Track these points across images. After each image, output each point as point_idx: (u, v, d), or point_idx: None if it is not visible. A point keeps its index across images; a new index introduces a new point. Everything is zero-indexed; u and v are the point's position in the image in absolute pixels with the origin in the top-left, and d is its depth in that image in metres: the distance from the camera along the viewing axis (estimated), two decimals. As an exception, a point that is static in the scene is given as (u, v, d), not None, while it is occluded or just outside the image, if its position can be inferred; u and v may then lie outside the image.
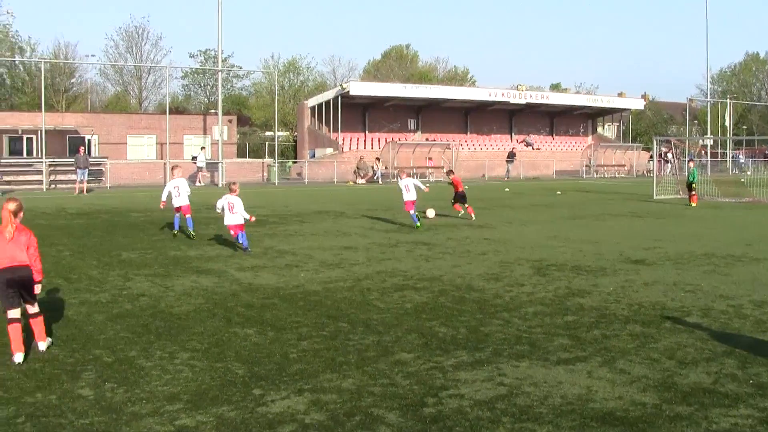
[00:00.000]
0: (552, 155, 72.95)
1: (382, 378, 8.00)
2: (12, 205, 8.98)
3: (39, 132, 48.59)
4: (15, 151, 53.23)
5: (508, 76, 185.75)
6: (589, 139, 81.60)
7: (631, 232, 22.21)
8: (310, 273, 14.71)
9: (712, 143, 74.02)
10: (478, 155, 68.09)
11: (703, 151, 66.81)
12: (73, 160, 43.70)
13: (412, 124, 72.51)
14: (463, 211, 25.99)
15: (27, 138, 54.01)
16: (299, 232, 21.81)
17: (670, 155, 51.81)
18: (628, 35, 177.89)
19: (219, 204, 18.19)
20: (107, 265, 15.75)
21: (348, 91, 63.28)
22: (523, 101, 71.97)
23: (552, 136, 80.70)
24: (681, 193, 36.80)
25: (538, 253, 17.46)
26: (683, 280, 13.82)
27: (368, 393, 7.52)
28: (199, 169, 51.15)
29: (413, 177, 27.75)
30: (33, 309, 9.13)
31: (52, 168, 46.54)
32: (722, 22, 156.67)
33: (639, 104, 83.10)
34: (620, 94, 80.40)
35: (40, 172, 45.89)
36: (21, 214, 9.10)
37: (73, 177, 42.56)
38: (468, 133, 74.65)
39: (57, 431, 6.62)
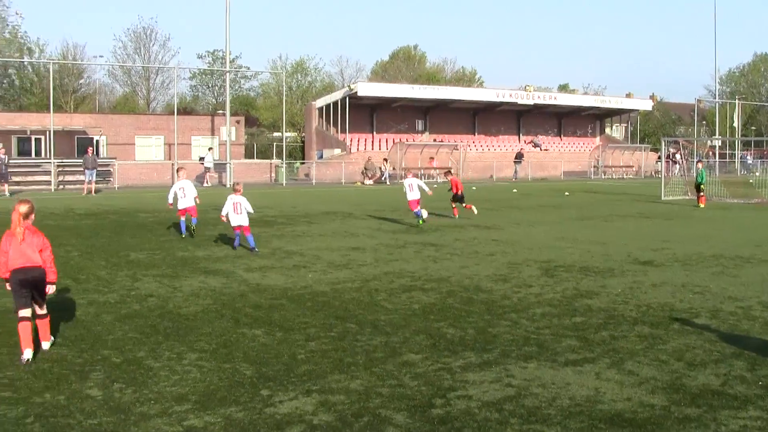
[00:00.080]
0: (560, 156, 72.83)
1: (390, 379, 8.00)
2: (23, 208, 9.07)
3: (47, 133, 48.68)
4: (24, 152, 53.35)
5: (515, 76, 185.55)
6: (597, 140, 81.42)
7: (639, 233, 22.17)
8: (318, 274, 14.72)
9: (720, 144, 73.80)
10: (486, 156, 67.99)
11: (710, 152, 66.64)
12: (81, 160, 43.75)
13: (419, 125, 72.43)
14: (459, 215, 25.95)
15: (35, 139, 54.15)
16: (307, 232, 21.83)
17: (678, 156, 51.69)
18: (636, 36, 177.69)
19: (224, 209, 18.36)
20: (115, 265, 15.78)
21: (356, 92, 63.23)
22: (531, 102, 71.81)
23: (560, 137, 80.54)
24: (689, 194, 36.72)
25: (546, 254, 17.44)
26: (692, 282, 13.79)
27: (376, 394, 7.52)
28: (207, 169, 51.18)
29: (419, 178, 27.81)
30: (41, 311, 9.23)
31: (60, 169, 46.61)
32: (730, 22, 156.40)
33: (647, 105, 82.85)
34: (628, 95, 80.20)
35: (48, 173, 45.97)
36: (33, 216, 9.22)
37: (82, 178, 42.60)
38: (476, 134, 74.54)
39: (65, 431, 6.63)
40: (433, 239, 20.22)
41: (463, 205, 26.18)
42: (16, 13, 74.22)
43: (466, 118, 74.11)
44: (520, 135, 77.44)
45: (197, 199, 20.85)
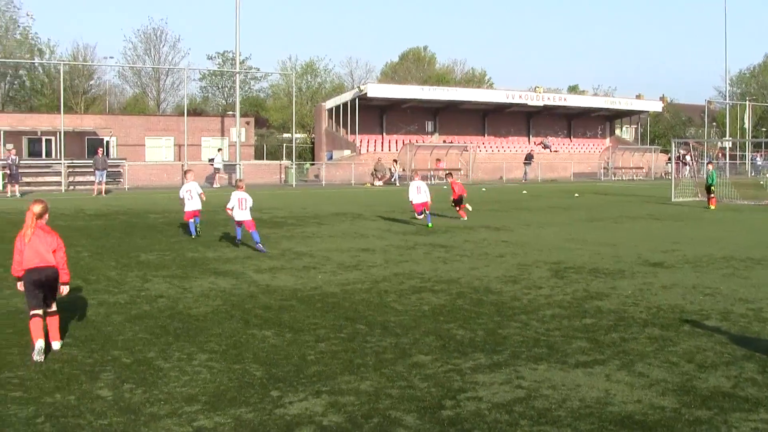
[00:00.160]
0: (569, 157, 72.74)
1: (400, 380, 8.00)
2: (37, 208, 9.21)
3: (58, 134, 48.83)
4: (34, 153, 53.52)
5: (525, 78, 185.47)
6: (607, 142, 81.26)
7: (649, 234, 22.12)
8: (327, 275, 14.73)
9: (730, 145, 73.53)
10: (496, 157, 67.95)
11: (720, 154, 66.44)
12: (91, 161, 43.88)
13: (429, 126, 72.41)
14: (465, 217, 25.96)
15: (46, 140, 54.31)
16: (317, 234, 21.84)
17: (688, 158, 51.55)
18: (646, 37, 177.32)
19: (230, 204, 18.87)
20: (125, 266, 15.82)
21: (365, 93, 63.26)
22: (540, 103, 71.76)
23: (569, 138, 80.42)
24: (699, 195, 36.63)
25: (555, 255, 17.42)
26: (702, 283, 13.75)
27: (386, 395, 7.52)
28: (217, 170, 51.23)
29: (425, 180, 27.87)
30: (51, 308, 9.29)
31: (70, 169, 46.75)
32: (741, 23, 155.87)
33: (657, 106, 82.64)
34: (638, 97, 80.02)
35: (58, 174, 46.11)
36: (46, 216, 9.36)
37: (92, 178, 42.71)
38: (485, 135, 74.49)
39: (76, 431, 6.65)
40: (442, 241, 20.21)
41: (459, 206, 26.37)
42: (27, 15, 74.59)
43: (475, 119, 74.07)
44: (530, 136, 77.38)
45: (203, 196, 21.23)
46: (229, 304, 11.90)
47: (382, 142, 68.20)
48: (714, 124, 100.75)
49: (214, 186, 47.93)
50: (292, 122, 60.61)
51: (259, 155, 69.31)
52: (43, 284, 9.11)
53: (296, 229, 22.89)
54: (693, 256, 17.22)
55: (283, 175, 56.45)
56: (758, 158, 76.27)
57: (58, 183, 45.55)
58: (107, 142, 55.08)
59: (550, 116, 77.99)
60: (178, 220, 24.07)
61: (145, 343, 9.55)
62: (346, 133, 65.00)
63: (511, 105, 71.82)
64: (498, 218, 26.49)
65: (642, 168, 73.14)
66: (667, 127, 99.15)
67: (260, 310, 11.51)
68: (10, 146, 44.05)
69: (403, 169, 56.26)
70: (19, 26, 74.55)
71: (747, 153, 74.54)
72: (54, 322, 9.26)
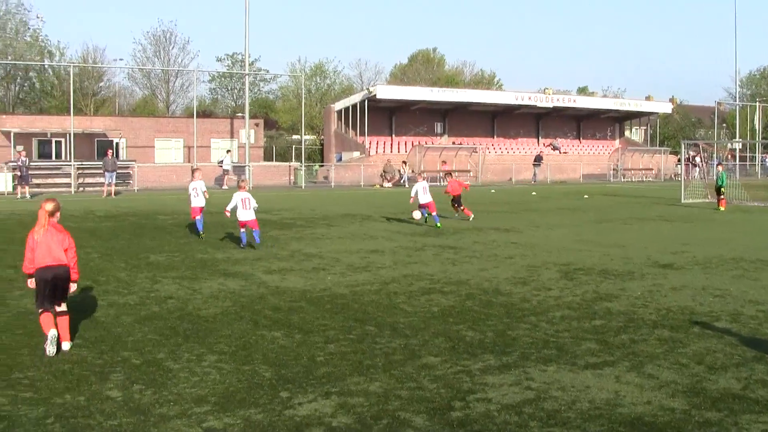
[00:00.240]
0: (579, 159, 72.57)
1: (409, 381, 8.00)
2: (49, 206, 9.31)
3: (68, 135, 48.92)
4: (44, 155, 53.61)
5: (535, 79, 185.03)
6: (617, 143, 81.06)
7: (658, 236, 22.08)
8: (336, 276, 14.74)
9: (740, 147, 73.29)
10: (505, 159, 67.86)
11: (730, 155, 66.18)
12: (101, 163, 43.99)
13: (438, 127, 72.33)
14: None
15: (56, 141, 54.39)
16: (326, 235, 21.85)
17: (698, 159, 51.43)
18: (656, 38, 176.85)
19: (230, 205, 19.31)
20: (135, 267, 15.86)
21: (374, 95, 63.23)
22: (550, 105, 71.64)
23: (579, 139, 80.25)
24: (709, 197, 36.53)
25: (565, 256, 17.40)
26: (712, 285, 13.72)
27: (395, 396, 7.52)
28: (226, 172, 51.28)
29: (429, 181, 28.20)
30: (60, 308, 9.33)
31: (80, 171, 46.90)
32: (751, 24, 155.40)
33: (667, 108, 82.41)
34: (648, 98, 79.84)
35: (68, 175, 46.25)
36: (58, 214, 9.45)
37: (102, 180, 42.82)
38: (495, 136, 74.38)
39: (86, 432, 6.68)
40: (451, 242, 20.20)
41: (456, 206, 26.78)
42: (37, 17, 74.65)
43: (485, 120, 73.98)
44: (539, 138, 77.25)
45: (206, 194, 21.58)
46: (238, 306, 11.92)
47: (391, 144, 68.17)
48: (724, 125, 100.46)
49: (224, 187, 47.96)
50: (302, 124, 60.65)
51: (268, 157, 69.33)
52: (55, 282, 9.19)
53: (305, 231, 22.91)
54: (703, 258, 17.18)
55: (292, 177, 56.49)
56: (768, 160, 76.01)
57: (68, 184, 45.70)
58: (117, 143, 55.12)
59: (559, 118, 77.84)
60: (187, 221, 24.12)
61: (155, 344, 9.57)
62: (355, 134, 64.99)
63: (520, 106, 71.71)
64: (507, 220, 26.48)
65: (651, 169, 72.95)
66: (677, 129, 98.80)
67: (269, 311, 11.53)
68: (20, 148, 44.15)
69: (412, 171, 56.25)
70: (29, 28, 74.66)
71: (757, 154, 74.29)
72: (64, 323, 9.30)
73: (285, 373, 8.31)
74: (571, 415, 6.99)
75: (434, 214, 23.86)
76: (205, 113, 78.51)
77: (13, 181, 42.81)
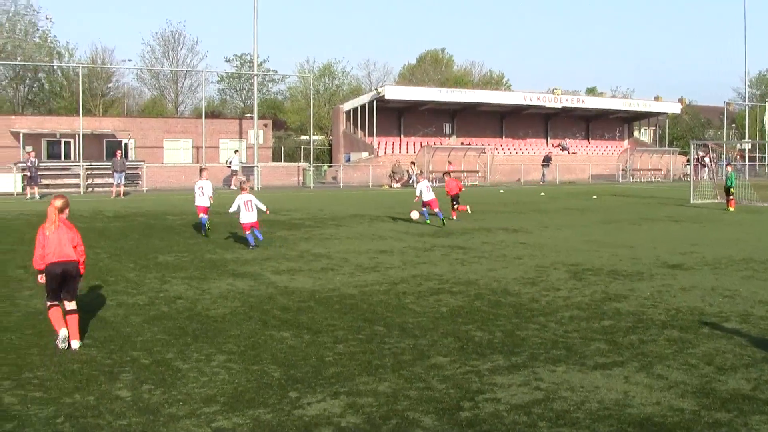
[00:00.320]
0: (588, 159, 72.46)
1: (418, 382, 8.00)
2: (58, 202, 9.43)
3: (77, 136, 49.06)
4: (53, 155, 53.73)
5: (543, 80, 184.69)
6: (625, 144, 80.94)
7: (667, 236, 22.03)
8: (345, 276, 14.75)
9: (750, 147, 73.08)
10: (514, 159, 67.82)
11: (739, 156, 66.01)
12: (110, 163, 44.08)
13: (447, 128, 72.31)
14: (467, 208, 27.56)
15: (65, 142, 54.49)
16: (335, 235, 21.86)
17: (707, 159, 51.32)
18: (665, 39, 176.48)
19: (233, 208, 19.54)
20: (144, 267, 15.89)
21: (383, 95, 63.25)
22: (558, 105, 71.58)
23: (588, 140, 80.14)
24: (718, 197, 36.44)
25: (574, 257, 17.37)
26: (721, 285, 13.69)
27: (404, 396, 7.52)
28: (234, 172, 51.36)
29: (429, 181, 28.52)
30: (70, 305, 9.39)
31: (89, 171, 47.02)
32: (761, 24, 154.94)
33: (676, 108, 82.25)
34: (657, 98, 79.70)
35: (77, 176, 46.38)
36: (67, 211, 9.56)
37: (110, 180, 42.92)
38: (503, 137, 74.34)
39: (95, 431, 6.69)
40: (460, 242, 20.19)
41: (457, 204, 27.36)
42: (46, 18, 74.78)
43: (493, 121, 73.95)
44: (548, 138, 77.17)
45: (211, 199, 21.78)
46: (247, 306, 11.94)
47: (400, 144, 68.17)
48: (733, 125, 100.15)
49: (231, 187, 48.02)
50: (310, 124, 60.72)
51: (276, 157, 69.39)
52: (64, 277, 9.31)
53: (314, 231, 22.92)
54: (712, 258, 17.14)
55: (300, 177, 56.56)
56: (777, 160, 75.76)
57: (77, 185, 45.83)
58: (125, 144, 55.19)
59: (568, 118, 77.75)
60: (195, 221, 24.15)
61: (164, 344, 9.59)
62: (364, 135, 65.02)
63: (528, 107, 71.68)
64: (516, 220, 26.46)
65: (660, 170, 72.82)
66: (686, 129, 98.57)
67: (278, 311, 11.54)
68: (29, 148, 44.25)
69: (421, 171, 56.27)
70: (38, 29, 74.83)
71: (766, 155, 74.08)
72: (73, 321, 9.34)
73: (294, 373, 8.32)
74: (580, 416, 6.98)
75: (437, 210, 24.33)
76: (213, 114, 78.58)
77: (22, 182, 42.94)
